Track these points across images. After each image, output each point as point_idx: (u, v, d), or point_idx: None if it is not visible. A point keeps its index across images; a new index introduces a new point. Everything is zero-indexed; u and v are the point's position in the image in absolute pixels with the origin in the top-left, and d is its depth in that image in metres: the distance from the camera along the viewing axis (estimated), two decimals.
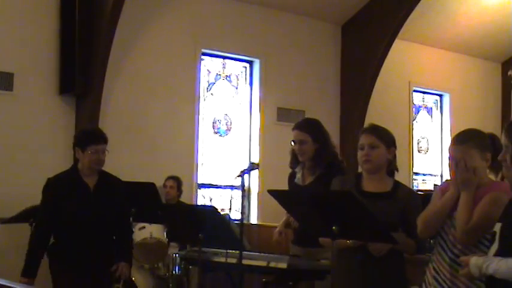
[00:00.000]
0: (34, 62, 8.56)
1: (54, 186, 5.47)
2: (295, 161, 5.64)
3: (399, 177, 4.76)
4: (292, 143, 5.53)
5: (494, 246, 3.24)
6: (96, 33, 8.49)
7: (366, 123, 10.11)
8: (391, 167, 4.67)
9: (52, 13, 8.63)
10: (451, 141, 4.15)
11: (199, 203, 9.75)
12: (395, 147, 4.61)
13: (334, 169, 5.37)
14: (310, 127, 5.56)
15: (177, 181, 8.84)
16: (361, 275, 4.46)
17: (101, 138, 5.44)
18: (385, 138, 4.60)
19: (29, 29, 8.55)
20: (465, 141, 4.03)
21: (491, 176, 4.11)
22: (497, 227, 3.29)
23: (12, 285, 3.85)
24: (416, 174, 12.41)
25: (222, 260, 5.10)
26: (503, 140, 3.30)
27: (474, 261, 3.23)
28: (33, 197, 7.82)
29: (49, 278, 5.47)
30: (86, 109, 8.65)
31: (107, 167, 8.71)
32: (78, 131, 6.47)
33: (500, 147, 3.45)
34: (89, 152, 5.35)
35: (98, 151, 5.38)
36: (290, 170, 5.70)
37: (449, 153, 4.08)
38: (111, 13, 8.36)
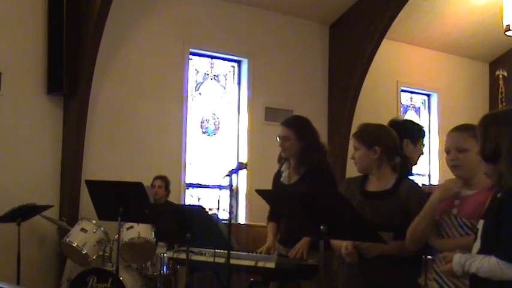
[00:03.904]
0: (22, 62, 8.53)
1: None
2: (282, 157, 5.65)
3: None
4: (277, 138, 5.52)
5: (477, 244, 3.23)
6: (83, 33, 8.47)
7: (354, 124, 10.16)
8: (404, 166, 4.63)
9: (40, 12, 8.60)
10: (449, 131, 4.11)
11: (187, 203, 9.73)
12: (379, 145, 4.47)
13: (319, 169, 5.36)
14: (295, 124, 5.54)
15: (164, 181, 8.84)
16: (362, 279, 4.44)
17: None
18: (364, 139, 4.54)
19: (17, 28, 8.51)
20: (464, 129, 4.01)
21: None
22: (480, 224, 3.28)
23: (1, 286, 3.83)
24: None
25: (210, 259, 5.09)
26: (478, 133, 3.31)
27: (457, 258, 3.21)
28: (21, 196, 7.86)
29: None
30: (74, 108, 8.62)
31: (94, 166, 8.73)
32: (402, 122, 5.43)
33: None
34: (420, 147, 4.98)
35: None
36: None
37: (445, 142, 4.05)
38: (99, 12, 8.34)
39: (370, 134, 4.54)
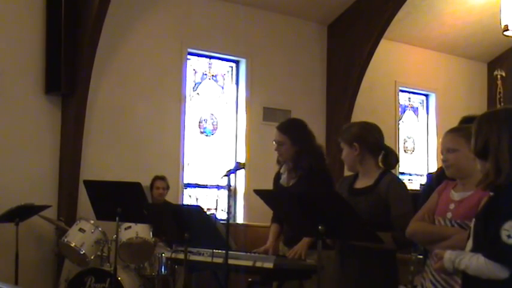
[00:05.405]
0: (20, 62, 8.51)
1: None
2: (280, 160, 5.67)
3: None
4: (273, 142, 5.54)
5: (469, 243, 3.25)
6: (82, 33, 8.46)
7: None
8: (385, 160, 4.68)
9: (38, 12, 8.59)
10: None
11: (185, 203, 9.72)
12: (357, 142, 4.59)
13: (313, 172, 5.37)
14: (290, 129, 5.55)
15: (166, 181, 8.83)
16: (343, 274, 4.47)
17: None
18: (345, 138, 4.67)
19: (15, 28, 8.50)
20: (454, 130, 4.10)
21: None
22: (473, 223, 3.28)
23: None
24: (402, 174, 12.42)
25: (208, 259, 5.09)
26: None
27: (448, 255, 3.23)
28: (19, 196, 7.84)
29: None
30: (72, 109, 8.61)
31: (92, 167, 8.72)
32: None
33: None
34: None
35: None
36: (276, 170, 5.70)
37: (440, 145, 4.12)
38: (97, 12, 8.33)
39: (349, 132, 4.68)
